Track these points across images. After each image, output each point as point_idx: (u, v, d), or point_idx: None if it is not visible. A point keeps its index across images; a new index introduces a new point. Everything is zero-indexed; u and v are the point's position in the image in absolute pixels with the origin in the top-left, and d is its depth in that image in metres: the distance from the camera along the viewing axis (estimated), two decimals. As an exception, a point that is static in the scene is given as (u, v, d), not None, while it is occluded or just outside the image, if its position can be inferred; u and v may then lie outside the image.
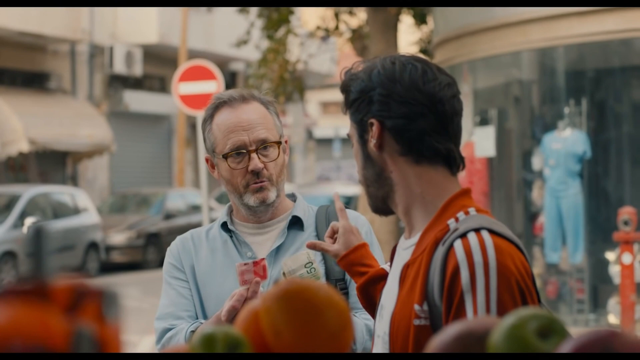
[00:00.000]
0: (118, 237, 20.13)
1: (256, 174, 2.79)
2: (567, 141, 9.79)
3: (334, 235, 2.54)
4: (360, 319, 2.69)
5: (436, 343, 1.13)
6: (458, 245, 1.86)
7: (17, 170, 22.24)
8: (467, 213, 1.95)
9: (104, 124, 23.07)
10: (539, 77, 10.84)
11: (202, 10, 26.35)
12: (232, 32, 19.78)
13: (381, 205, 2.05)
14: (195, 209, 21.24)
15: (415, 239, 1.99)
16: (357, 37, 14.97)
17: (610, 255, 9.49)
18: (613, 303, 9.33)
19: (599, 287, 9.99)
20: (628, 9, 9.01)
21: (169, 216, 21.29)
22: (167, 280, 2.88)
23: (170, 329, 2.79)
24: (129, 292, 15.93)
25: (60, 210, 18.48)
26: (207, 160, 2.92)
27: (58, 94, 23.04)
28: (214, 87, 11.53)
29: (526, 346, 1.06)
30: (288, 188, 3.41)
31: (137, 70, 24.43)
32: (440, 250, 1.89)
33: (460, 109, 2.03)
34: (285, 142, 2.90)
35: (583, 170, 9.87)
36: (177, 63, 22.56)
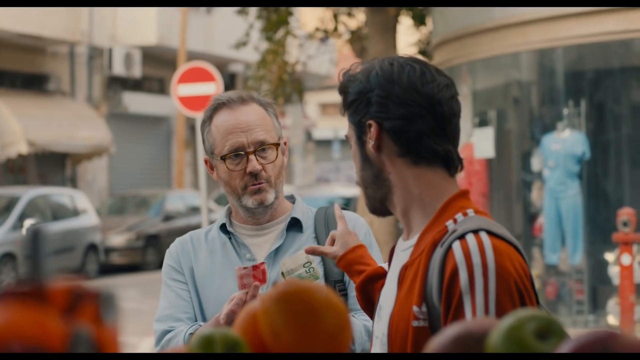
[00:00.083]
0: (117, 239, 20.13)
1: (254, 175, 2.79)
2: (566, 142, 9.79)
3: (333, 243, 2.56)
4: (359, 320, 2.69)
5: (435, 344, 1.13)
6: (456, 246, 1.86)
7: (16, 172, 22.24)
8: (465, 214, 1.95)
9: (103, 125, 23.07)
10: (538, 78, 10.84)
11: (201, 11, 26.36)
12: (231, 33, 19.79)
13: (379, 206, 2.05)
14: (195, 210, 21.24)
15: (413, 240, 1.99)
16: (356, 38, 14.97)
17: (610, 256, 9.49)
18: (612, 304, 9.33)
19: (598, 288, 9.99)
20: (627, 10, 9.01)
21: (168, 218, 21.29)
22: (166, 282, 2.88)
23: (169, 331, 2.79)
24: (128, 293, 15.92)
25: (60, 212, 18.48)
26: (206, 161, 2.92)
27: (57, 95, 23.04)
28: (213, 88, 11.52)
29: (524, 347, 1.06)
30: (287, 189, 3.40)
31: (136, 71, 24.44)
32: (439, 252, 1.89)
33: (459, 110, 2.02)
34: (285, 143, 2.90)
35: (582, 171, 9.87)
36: (176, 65, 22.57)
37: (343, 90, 2.06)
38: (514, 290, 1.84)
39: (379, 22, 13.27)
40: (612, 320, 9.28)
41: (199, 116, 10.57)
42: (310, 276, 2.62)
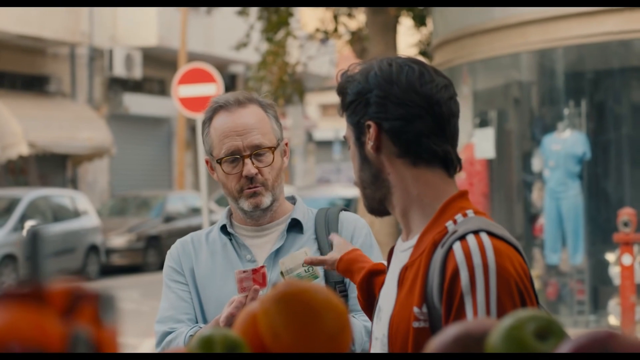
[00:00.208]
0: (118, 240, 20.13)
1: (250, 179, 2.79)
2: (566, 142, 9.79)
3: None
4: (359, 320, 2.69)
5: (435, 344, 1.13)
6: (457, 247, 1.86)
7: (17, 174, 22.24)
8: (465, 215, 1.95)
9: (104, 126, 23.08)
10: (539, 79, 10.84)
11: (202, 12, 26.35)
12: (232, 34, 19.79)
13: (377, 207, 2.05)
14: (196, 211, 21.25)
15: (412, 241, 1.99)
16: (357, 39, 14.96)
17: (610, 257, 9.48)
18: (613, 304, 9.33)
19: (599, 288, 9.99)
20: (627, 10, 9.01)
21: (169, 219, 21.29)
22: (167, 283, 2.88)
23: (170, 332, 2.79)
24: (129, 294, 15.92)
25: (61, 213, 18.48)
26: (207, 162, 2.92)
27: (58, 97, 23.05)
28: (213, 89, 11.52)
29: (524, 347, 1.06)
30: (288, 190, 3.40)
31: (137, 73, 24.44)
32: (439, 253, 1.89)
33: (457, 110, 2.02)
34: (286, 144, 2.90)
35: (583, 171, 9.87)
36: (177, 66, 22.57)
37: (341, 90, 2.06)
38: (515, 290, 1.85)
39: (379, 23, 13.27)
40: (613, 320, 9.27)
41: (199, 117, 10.56)
42: (310, 275, 2.62)
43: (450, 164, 2.00)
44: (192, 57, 23.76)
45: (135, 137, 25.94)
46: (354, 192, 21.24)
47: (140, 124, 26.00)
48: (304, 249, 2.67)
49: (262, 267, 2.64)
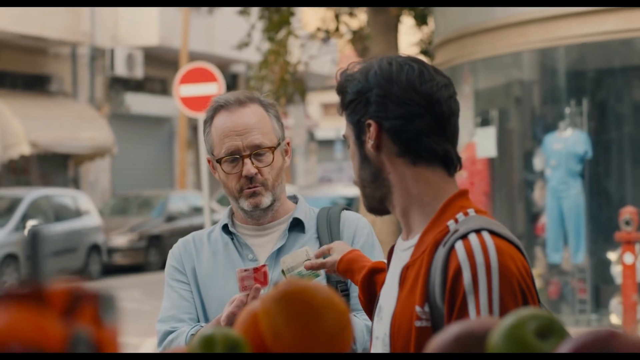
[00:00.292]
0: (120, 240, 20.14)
1: (249, 179, 2.79)
2: (568, 141, 9.79)
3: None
4: (360, 319, 2.69)
5: (436, 343, 1.13)
6: (459, 246, 1.86)
7: (18, 173, 22.24)
8: (466, 214, 1.95)
9: (106, 126, 23.08)
10: (540, 78, 10.84)
11: (203, 12, 26.36)
12: (233, 34, 19.78)
13: (377, 206, 2.05)
14: (197, 211, 21.25)
15: (413, 240, 1.99)
16: (358, 38, 14.97)
17: (612, 255, 9.48)
18: (615, 303, 9.32)
19: (601, 287, 9.98)
20: (628, 9, 9.01)
21: (170, 218, 21.29)
22: (169, 282, 2.88)
23: (171, 332, 2.79)
24: (131, 294, 15.93)
25: (62, 213, 18.49)
26: (209, 161, 2.93)
27: (59, 96, 23.05)
28: (215, 89, 11.52)
29: (525, 346, 1.06)
30: (289, 190, 3.41)
31: (138, 72, 24.45)
32: (441, 252, 1.88)
33: (457, 109, 2.02)
34: (287, 144, 2.90)
35: (584, 170, 9.87)
36: (178, 65, 22.57)
37: (341, 89, 2.06)
38: (517, 289, 1.85)
39: (380, 22, 13.26)
40: (615, 319, 9.27)
41: (201, 117, 10.54)
42: (311, 274, 2.62)
43: (450, 163, 2.00)
44: (194, 56, 23.76)
45: (137, 136, 25.94)
46: (355, 191, 21.24)
47: (141, 124, 26.00)
48: (306, 247, 2.67)
49: (264, 266, 2.64)
